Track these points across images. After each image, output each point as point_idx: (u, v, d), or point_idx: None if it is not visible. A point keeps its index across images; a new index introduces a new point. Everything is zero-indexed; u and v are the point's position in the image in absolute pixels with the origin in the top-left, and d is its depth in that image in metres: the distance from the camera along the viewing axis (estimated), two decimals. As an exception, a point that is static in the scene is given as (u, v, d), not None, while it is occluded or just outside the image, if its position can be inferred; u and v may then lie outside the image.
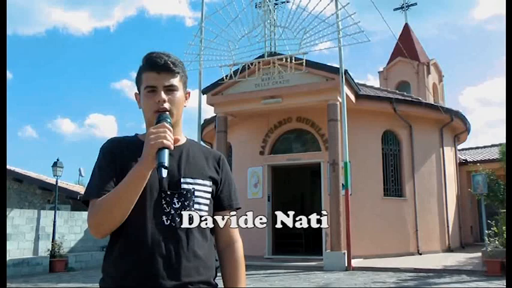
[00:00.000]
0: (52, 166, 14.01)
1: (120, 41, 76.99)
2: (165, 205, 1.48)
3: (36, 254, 12.68)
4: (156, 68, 1.52)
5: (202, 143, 15.25)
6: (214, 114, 13.70)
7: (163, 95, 1.50)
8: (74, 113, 78.15)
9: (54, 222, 13.17)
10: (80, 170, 17.15)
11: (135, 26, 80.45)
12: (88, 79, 74.20)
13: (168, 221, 1.46)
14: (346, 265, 10.67)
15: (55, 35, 69.86)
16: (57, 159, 14.04)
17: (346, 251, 10.79)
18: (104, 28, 75.14)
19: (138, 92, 1.60)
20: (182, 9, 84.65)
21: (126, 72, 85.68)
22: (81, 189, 18.24)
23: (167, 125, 1.40)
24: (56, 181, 14.13)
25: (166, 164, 1.33)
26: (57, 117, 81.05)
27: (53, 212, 13.40)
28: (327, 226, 10.76)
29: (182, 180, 1.52)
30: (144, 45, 73.51)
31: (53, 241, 12.80)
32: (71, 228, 14.28)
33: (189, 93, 1.64)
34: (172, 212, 1.48)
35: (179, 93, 1.55)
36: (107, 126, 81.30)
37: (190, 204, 1.51)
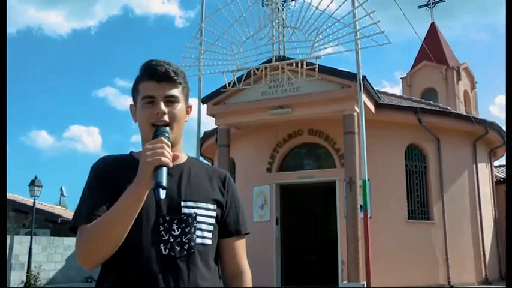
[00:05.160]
0: (29, 185, 14.07)
1: (102, 44, 77.64)
2: (163, 232, 1.49)
3: (7, 287, 12.65)
4: (155, 76, 1.53)
5: (201, 158, 15.28)
6: (216, 126, 13.74)
7: (163, 107, 1.52)
8: (51, 125, 78.57)
9: (30, 249, 13.16)
10: (61, 189, 17.32)
11: (119, 27, 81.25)
12: (66, 86, 74.71)
13: (167, 250, 1.47)
14: (366, 299, 10.59)
15: (28, 36, 70.66)
16: (35, 177, 14.10)
17: (365, 282, 10.71)
18: (84, 29, 75.96)
19: (134, 104, 1.63)
20: (171, 8, 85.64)
21: (110, 78, 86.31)
22: (63, 211, 18.27)
23: (165, 140, 1.41)
24: (34, 202, 14.18)
25: (164, 184, 1.34)
26: (32, 129, 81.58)
27: (29, 237, 13.40)
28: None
29: (183, 203, 1.53)
30: (130, 49, 74.12)
31: (28, 271, 12.79)
32: (50, 256, 14.27)
33: (190, 107, 1.66)
34: (172, 239, 1.49)
35: (180, 106, 1.57)
36: (89, 139, 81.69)
37: (192, 230, 1.51)
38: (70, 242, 14.14)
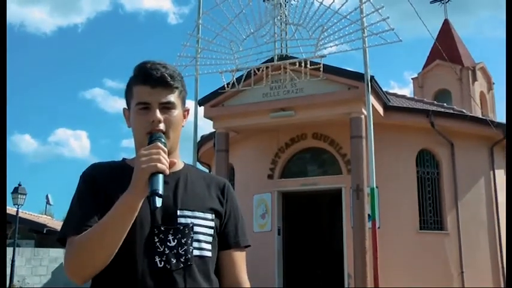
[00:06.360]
0: (12, 193, 14.04)
1: (90, 42, 77.84)
2: (158, 243, 1.49)
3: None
4: (150, 81, 1.53)
5: (198, 164, 15.29)
6: (214, 130, 13.75)
7: (159, 114, 1.52)
8: (35, 128, 78.67)
9: (13, 261, 13.11)
10: (47, 197, 17.30)
11: (108, 24, 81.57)
12: (52, 87, 74.90)
13: (162, 263, 1.48)
14: (375, 316, 10.57)
15: (10, 33, 70.92)
16: (19, 184, 14.10)
17: (374, 298, 10.70)
18: (71, 26, 76.19)
19: (127, 107, 1.64)
20: (164, 4, 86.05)
21: (99, 79, 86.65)
22: (49, 221, 18.25)
23: (161, 146, 1.41)
24: (17, 211, 14.15)
25: (160, 192, 1.34)
26: (14, 133, 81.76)
27: (12, 249, 13.37)
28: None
29: (179, 213, 1.54)
30: (120, 47, 74.26)
31: (10, 286, 12.76)
32: (35, 269, 14.23)
33: (187, 110, 1.67)
34: (167, 251, 1.49)
35: (177, 112, 1.58)
36: (77, 144, 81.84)
37: (189, 242, 1.52)
38: (56, 253, 14.09)
